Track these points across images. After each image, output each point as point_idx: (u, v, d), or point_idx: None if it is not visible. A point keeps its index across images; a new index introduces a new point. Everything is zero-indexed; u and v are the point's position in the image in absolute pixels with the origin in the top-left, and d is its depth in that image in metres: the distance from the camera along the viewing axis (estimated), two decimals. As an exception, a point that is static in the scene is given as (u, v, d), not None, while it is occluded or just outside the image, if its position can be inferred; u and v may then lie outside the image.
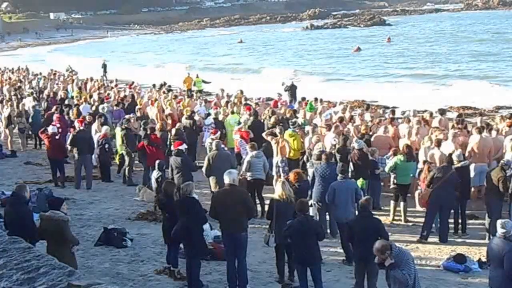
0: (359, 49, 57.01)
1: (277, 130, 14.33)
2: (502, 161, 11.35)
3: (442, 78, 35.02)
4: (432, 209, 11.35)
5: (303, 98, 20.66)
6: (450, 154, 11.82)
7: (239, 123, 16.04)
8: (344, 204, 10.46)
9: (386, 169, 12.57)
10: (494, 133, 13.47)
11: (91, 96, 22.76)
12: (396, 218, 12.44)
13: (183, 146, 13.02)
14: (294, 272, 9.14)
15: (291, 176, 10.62)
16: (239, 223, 8.91)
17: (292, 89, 24.98)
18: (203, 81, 30.38)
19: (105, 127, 15.85)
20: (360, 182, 12.67)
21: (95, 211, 13.10)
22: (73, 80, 29.39)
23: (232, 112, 17.54)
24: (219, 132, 15.08)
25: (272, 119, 15.98)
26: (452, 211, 11.66)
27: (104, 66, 41.65)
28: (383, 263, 7.10)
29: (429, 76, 36.30)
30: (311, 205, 11.09)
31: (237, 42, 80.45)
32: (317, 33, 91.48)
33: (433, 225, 11.52)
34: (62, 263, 5.33)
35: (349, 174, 12.68)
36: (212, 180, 12.49)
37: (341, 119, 15.57)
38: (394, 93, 30.45)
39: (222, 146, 13.35)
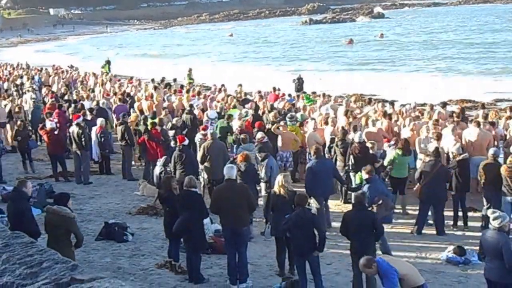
0: (351, 41, 56.64)
1: (281, 123, 14.42)
2: (491, 153, 11.34)
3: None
4: (424, 204, 11.41)
5: (304, 92, 20.66)
6: (437, 148, 11.84)
7: (246, 115, 16.10)
8: None
9: (385, 162, 12.60)
10: (486, 125, 13.45)
11: (93, 91, 22.81)
12: (396, 210, 12.46)
13: (187, 141, 13.09)
14: (294, 266, 9.19)
15: (239, 157, 11.12)
16: (241, 217, 8.96)
17: (299, 82, 24.94)
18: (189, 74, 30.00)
19: (100, 120, 15.76)
20: (358, 176, 12.69)
21: (96, 205, 13.14)
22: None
23: (234, 107, 17.53)
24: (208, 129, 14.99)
25: (271, 114, 15.98)
26: (453, 204, 11.70)
27: (108, 62, 41.55)
28: None
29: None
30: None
31: (228, 35, 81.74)
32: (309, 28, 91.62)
33: (430, 219, 11.55)
34: (65, 257, 5.35)
35: (349, 167, 12.77)
36: (205, 169, 12.65)
37: (345, 112, 15.61)
38: (394, 86, 30.49)
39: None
